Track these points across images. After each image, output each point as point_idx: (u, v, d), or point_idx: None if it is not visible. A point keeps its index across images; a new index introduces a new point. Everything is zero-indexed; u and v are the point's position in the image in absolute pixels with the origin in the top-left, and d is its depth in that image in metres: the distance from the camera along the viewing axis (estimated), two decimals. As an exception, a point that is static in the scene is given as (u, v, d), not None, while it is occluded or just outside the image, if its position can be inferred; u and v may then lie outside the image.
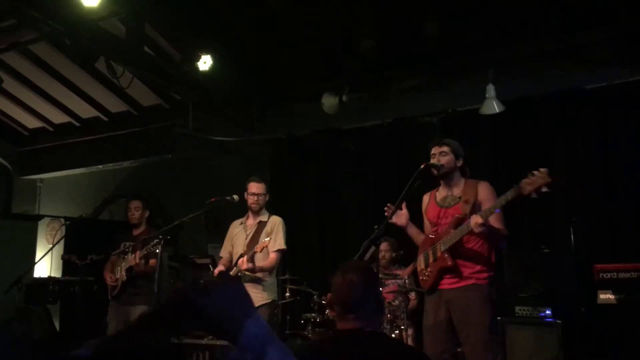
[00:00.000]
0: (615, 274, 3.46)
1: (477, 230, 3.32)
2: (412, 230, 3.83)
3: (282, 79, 6.79)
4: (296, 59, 6.40)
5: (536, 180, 3.14)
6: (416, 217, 3.92)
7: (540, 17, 5.36)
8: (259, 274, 4.47)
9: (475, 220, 3.31)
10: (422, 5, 5.40)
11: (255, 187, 4.70)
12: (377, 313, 2.06)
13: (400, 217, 3.73)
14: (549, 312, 4.75)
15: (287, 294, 5.72)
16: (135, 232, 5.27)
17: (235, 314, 1.05)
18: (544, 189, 3.12)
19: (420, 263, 3.74)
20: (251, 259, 4.36)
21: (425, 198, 3.90)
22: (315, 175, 7.05)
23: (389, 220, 3.55)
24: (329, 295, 4.34)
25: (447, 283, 3.58)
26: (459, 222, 3.51)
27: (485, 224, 3.31)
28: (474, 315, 3.44)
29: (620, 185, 5.27)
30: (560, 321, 4.62)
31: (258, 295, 4.46)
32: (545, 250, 5.11)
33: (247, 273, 4.43)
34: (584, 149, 5.49)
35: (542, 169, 3.15)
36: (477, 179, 3.78)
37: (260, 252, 4.40)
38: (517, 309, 4.89)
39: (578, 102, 5.55)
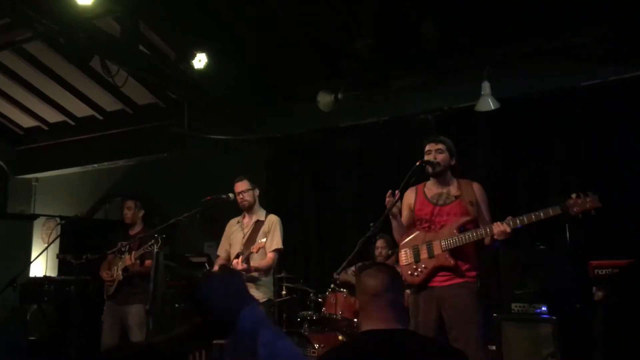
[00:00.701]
0: (610, 270, 3.47)
1: (501, 237, 3.34)
2: (397, 222, 3.78)
3: (279, 78, 6.77)
4: (294, 58, 6.39)
5: (585, 203, 3.21)
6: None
7: (536, 16, 5.36)
8: (254, 273, 4.46)
9: (503, 228, 3.33)
10: (420, 4, 5.40)
11: (238, 186, 4.66)
12: (404, 309, 2.04)
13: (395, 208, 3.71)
14: (545, 308, 4.77)
15: (284, 292, 5.73)
16: (132, 231, 5.26)
17: (233, 303, 1.07)
18: (593, 212, 3.21)
19: (408, 257, 3.67)
20: (247, 260, 4.35)
21: (411, 193, 3.82)
22: (312, 173, 7.06)
23: (389, 210, 3.54)
24: (337, 294, 4.30)
25: (439, 280, 3.55)
26: (465, 223, 3.52)
27: (511, 234, 3.33)
28: (466, 314, 3.43)
29: (616, 182, 5.29)
30: (555, 318, 4.64)
31: (256, 294, 4.44)
32: (541, 247, 5.13)
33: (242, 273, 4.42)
34: (580, 146, 5.50)
35: (591, 194, 3.22)
36: (473, 176, 3.79)
37: (257, 252, 4.38)
38: (513, 305, 4.91)
39: (574, 100, 5.57)
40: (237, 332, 1.06)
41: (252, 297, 1.12)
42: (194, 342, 1.22)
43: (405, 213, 3.80)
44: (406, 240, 3.74)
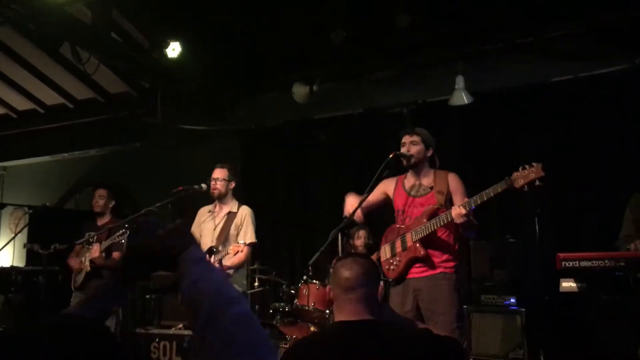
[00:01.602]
0: (577, 262, 3.53)
1: (458, 220, 3.35)
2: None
3: (254, 69, 6.73)
4: (267, 48, 6.36)
5: (529, 174, 3.17)
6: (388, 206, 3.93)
7: (509, 11, 5.42)
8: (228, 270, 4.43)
9: (459, 211, 3.33)
10: (395, -3, 5.41)
11: (216, 172, 4.62)
12: (377, 301, 2.02)
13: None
14: (514, 300, 4.85)
15: (256, 284, 5.71)
16: (100, 221, 5.19)
17: (180, 242, 1.08)
18: (537, 183, 3.16)
19: (386, 252, 3.73)
20: (219, 262, 4.30)
21: (391, 182, 3.85)
22: (286, 165, 7.04)
23: (349, 219, 3.56)
24: (310, 285, 4.32)
25: (416, 272, 3.60)
26: (434, 212, 3.54)
27: (467, 215, 3.34)
28: (441, 304, 3.48)
29: (584, 176, 5.39)
30: (524, 309, 4.72)
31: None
32: (511, 240, 5.21)
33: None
34: (550, 140, 5.59)
35: (535, 163, 3.19)
36: (446, 169, 3.81)
37: (235, 254, 4.33)
38: (482, 297, 4.99)
39: (545, 95, 5.65)
40: (182, 265, 1.07)
41: (195, 239, 1.12)
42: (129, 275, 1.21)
43: (376, 194, 3.80)
44: (385, 236, 3.82)
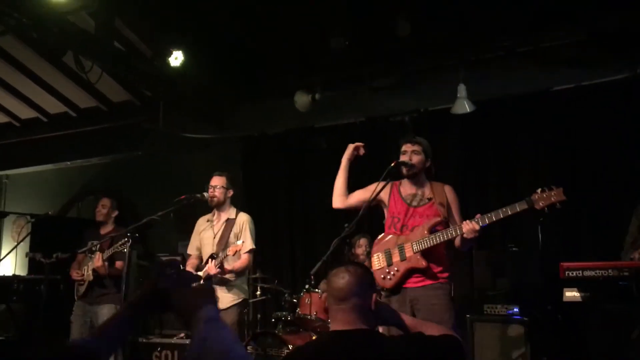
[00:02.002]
0: (580, 272, 3.51)
1: (470, 236, 3.33)
2: (344, 170, 3.95)
3: (255, 77, 6.75)
4: (269, 56, 6.37)
5: (550, 197, 3.23)
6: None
7: (510, 19, 5.43)
8: (228, 275, 4.42)
9: (472, 226, 3.31)
10: (395, 5, 5.42)
11: (214, 180, 4.63)
12: (371, 311, 1.99)
13: None
14: (517, 309, 4.82)
15: (258, 293, 5.70)
16: (103, 230, 5.19)
17: (199, 299, 1.11)
18: (558, 206, 3.23)
19: (380, 261, 3.66)
20: (221, 264, 4.30)
21: (386, 187, 3.75)
22: (288, 173, 7.03)
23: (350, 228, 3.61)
24: (312, 294, 4.29)
25: (413, 282, 3.55)
26: (435, 224, 3.53)
27: (480, 231, 3.33)
28: (438, 314, 3.45)
29: (587, 184, 5.37)
30: (527, 319, 4.69)
31: (228, 296, 4.41)
32: (514, 249, 5.19)
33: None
34: (551, 149, 5.58)
35: (556, 187, 3.24)
36: (447, 177, 3.81)
37: (233, 255, 4.34)
38: (485, 307, 4.95)
39: (546, 103, 5.64)
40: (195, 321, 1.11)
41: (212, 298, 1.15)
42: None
43: (364, 192, 3.82)
44: (378, 245, 3.75)
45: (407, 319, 2.17)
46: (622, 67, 5.30)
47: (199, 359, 1.05)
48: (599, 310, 3.95)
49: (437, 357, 1.90)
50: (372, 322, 2.01)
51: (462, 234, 3.37)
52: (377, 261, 3.69)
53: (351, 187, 6.30)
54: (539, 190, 3.26)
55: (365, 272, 2.07)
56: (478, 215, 3.37)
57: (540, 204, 3.23)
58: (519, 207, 3.27)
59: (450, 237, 3.43)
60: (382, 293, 3.62)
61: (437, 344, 1.94)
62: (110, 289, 4.87)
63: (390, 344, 1.92)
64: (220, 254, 4.38)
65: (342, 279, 1.99)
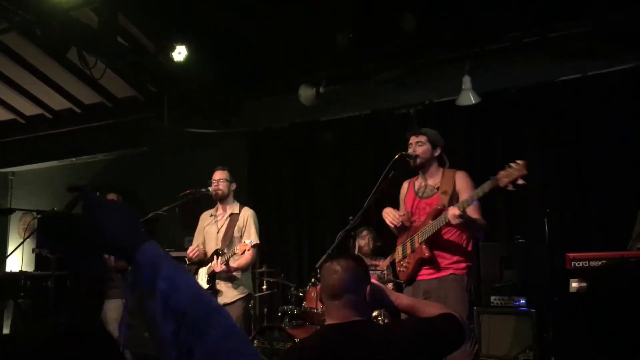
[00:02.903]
0: (587, 262, 3.50)
1: (454, 221, 3.30)
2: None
3: (260, 72, 6.73)
4: (273, 51, 6.35)
5: (512, 172, 3.10)
6: (395, 204, 3.92)
7: (516, 11, 5.39)
8: (234, 272, 4.43)
9: (453, 211, 3.29)
10: (400, -2, 5.40)
11: (217, 174, 4.64)
12: (366, 302, 1.97)
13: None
14: (524, 301, 4.81)
15: (264, 287, 5.70)
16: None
17: (132, 235, 1.05)
18: (520, 181, 3.08)
19: (399, 254, 3.73)
20: (226, 262, 4.30)
21: (405, 185, 3.88)
22: (293, 167, 7.03)
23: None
24: (318, 287, 4.30)
25: (426, 274, 3.58)
26: (438, 213, 3.50)
27: (462, 216, 3.29)
28: (451, 306, 3.44)
29: (593, 175, 5.34)
30: (534, 310, 4.68)
31: (233, 291, 4.42)
32: (520, 241, 5.17)
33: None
34: (558, 140, 5.55)
35: (519, 161, 3.11)
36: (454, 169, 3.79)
37: (242, 254, 4.33)
38: (492, 298, 4.95)
39: (552, 94, 5.61)
40: (136, 267, 1.04)
41: (148, 237, 1.09)
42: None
43: (402, 206, 3.86)
44: (399, 237, 3.81)
45: (405, 299, 2.13)
46: (628, 57, 5.26)
47: (168, 306, 1.00)
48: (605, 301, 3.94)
49: (433, 338, 1.89)
50: (368, 312, 2.00)
51: (448, 221, 3.36)
52: (397, 254, 3.76)
53: (354, 179, 6.36)
54: (505, 167, 3.16)
55: (357, 266, 2.02)
56: (459, 201, 3.41)
57: (504, 180, 3.12)
58: (487, 187, 3.24)
59: (442, 223, 3.41)
60: (389, 285, 3.63)
61: (433, 324, 1.93)
62: (117, 283, 4.89)
63: (384, 332, 1.93)
64: (226, 252, 4.37)
65: (334, 274, 1.96)
